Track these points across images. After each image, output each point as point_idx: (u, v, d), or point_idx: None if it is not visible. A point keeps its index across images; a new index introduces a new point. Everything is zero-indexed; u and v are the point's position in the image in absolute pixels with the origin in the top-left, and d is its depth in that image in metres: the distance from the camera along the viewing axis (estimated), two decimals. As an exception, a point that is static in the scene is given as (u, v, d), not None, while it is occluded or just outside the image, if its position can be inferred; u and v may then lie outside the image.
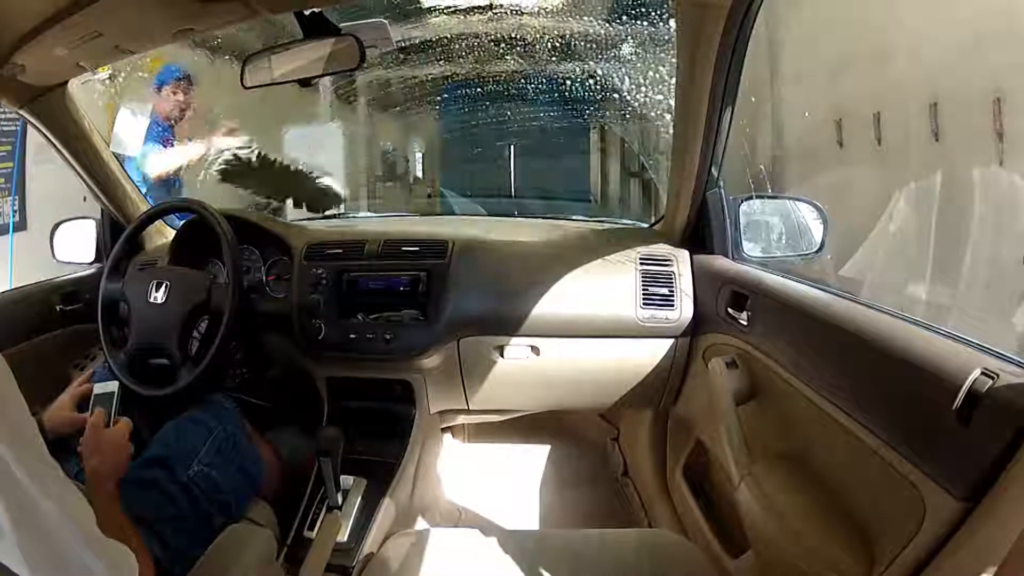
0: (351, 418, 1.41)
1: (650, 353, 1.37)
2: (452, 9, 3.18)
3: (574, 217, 2.29)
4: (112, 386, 1.05)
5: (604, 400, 1.50)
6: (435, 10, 3.21)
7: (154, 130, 2.67)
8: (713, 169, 1.26)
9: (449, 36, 3.26)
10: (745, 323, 1.15)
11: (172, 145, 2.70)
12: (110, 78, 2.77)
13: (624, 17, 3.13)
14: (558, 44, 3.13)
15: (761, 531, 0.98)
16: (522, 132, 3.08)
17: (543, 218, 2.15)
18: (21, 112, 1.32)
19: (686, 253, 1.38)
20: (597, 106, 3.12)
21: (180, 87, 2.65)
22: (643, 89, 3.00)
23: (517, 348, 1.38)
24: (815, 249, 1.35)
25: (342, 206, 3.49)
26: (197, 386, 1.24)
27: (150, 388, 1.23)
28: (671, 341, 1.35)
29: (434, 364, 1.41)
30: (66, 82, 1.34)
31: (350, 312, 1.42)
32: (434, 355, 1.39)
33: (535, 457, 1.91)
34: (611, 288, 1.35)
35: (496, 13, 3.18)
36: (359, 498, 1.28)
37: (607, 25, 3.16)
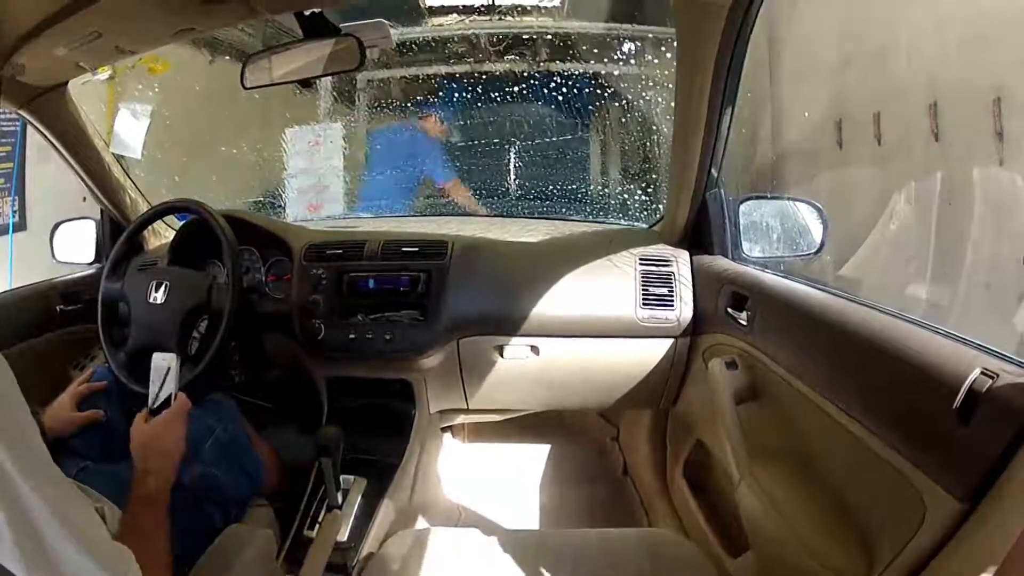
0: (351, 418, 1.41)
1: (650, 353, 1.37)
2: (453, 9, 3.19)
3: (574, 218, 2.30)
4: (169, 358, 0.98)
5: (604, 400, 1.50)
6: (436, 10, 3.22)
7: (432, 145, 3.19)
8: (713, 169, 1.25)
9: (449, 36, 3.26)
10: (745, 323, 1.15)
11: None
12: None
13: (624, 17, 3.14)
14: (559, 44, 3.13)
15: (761, 531, 0.98)
16: (522, 132, 3.07)
17: (543, 218, 2.16)
18: (21, 112, 1.32)
19: (686, 253, 1.38)
20: (597, 107, 3.12)
21: (436, 116, 3.17)
22: (643, 89, 3.00)
23: (517, 348, 1.38)
24: (815, 249, 1.35)
25: (342, 206, 3.49)
26: (197, 386, 1.24)
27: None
28: (671, 341, 1.35)
29: (434, 364, 1.41)
30: (66, 82, 1.34)
31: (350, 312, 1.42)
32: (434, 355, 1.39)
33: (535, 456, 1.91)
34: (611, 288, 1.35)
35: (497, 14, 3.19)
36: (359, 497, 1.28)
37: (608, 25, 3.17)
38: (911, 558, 0.69)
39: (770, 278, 1.16)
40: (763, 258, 1.34)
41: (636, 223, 2.28)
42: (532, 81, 3.05)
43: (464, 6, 3.17)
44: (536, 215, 2.42)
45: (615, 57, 3.06)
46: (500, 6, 3.18)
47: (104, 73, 2.82)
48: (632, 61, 3.05)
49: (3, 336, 1.38)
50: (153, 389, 0.98)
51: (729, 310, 1.20)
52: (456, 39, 3.28)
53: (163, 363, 0.98)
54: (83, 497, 0.64)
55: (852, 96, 2.89)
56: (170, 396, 0.98)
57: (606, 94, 3.06)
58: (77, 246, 1.67)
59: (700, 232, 1.37)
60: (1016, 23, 2.02)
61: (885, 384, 0.78)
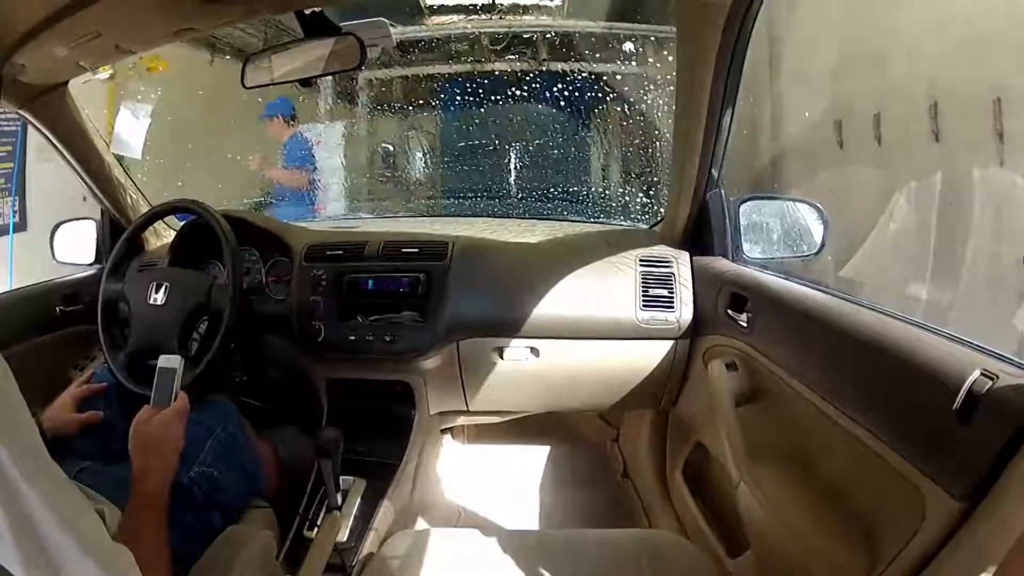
0: (351, 419, 1.40)
1: (650, 355, 1.37)
2: (453, 8, 3.19)
3: (574, 218, 2.29)
4: (175, 361, 0.98)
5: (604, 402, 1.50)
6: (436, 9, 3.22)
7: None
8: (713, 170, 1.25)
9: (450, 35, 3.27)
10: (745, 325, 1.15)
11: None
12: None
13: (625, 16, 3.14)
14: (559, 44, 3.13)
15: (761, 531, 0.98)
16: (523, 133, 3.07)
17: (543, 219, 2.16)
18: (21, 112, 1.32)
19: (686, 254, 1.38)
20: (598, 107, 3.12)
21: (285, 120, 3.10)
22: (644, 90, 3.00)
23: (517, 350, 1.38)
24: (815, 250, 1.35)
25: (342, 207, 3.50)
26: (197, 387, 1.24)
27: (150, 390, 1.23)
28: (671, 343, 1.35)
29: (434, 365, 1.41)
30: (66, 82, 1.34)
31: (350, 313, 1.42)
32: (434, 356, 1.39)
33: (535, 458, 1.91)
34: (611, 290, 1.35)
35: (497, 13, 3.19)
36: (359, 499, 1.28)
37: (608, 24, 3.17)
38: (911, 558, 0.69)
39: (770, 279, 1.16)
40: (763, 259, 1.34)
41: (636, 223, 2.28)
42: (533, 82, 3.05)
43: (464, 5, 3.17)
44: (537, 215, 2.43)
45: (616, 57, 3.06)
46: (500, 5, 3.18)
47: (105, 72, 2.83)
48: (633, 61, 3.05)
49: (4, 336, 1.38)
50: (157, 390, 0.98)
51: (729, 312, 1.20)
52: (456, 38, 3.28)
53: (169, 365, 0.98)
54: (83, 497, 0.64)
55: (852, 96, 2.89)
56: (171, 397, 0.98)
57: (607, 95, 3.06)
58: (77, 246, 1.66)
59: (700, 233, 1.36)
60: (1016, 23, 2.02)
61: (885, 385, 0.78)
